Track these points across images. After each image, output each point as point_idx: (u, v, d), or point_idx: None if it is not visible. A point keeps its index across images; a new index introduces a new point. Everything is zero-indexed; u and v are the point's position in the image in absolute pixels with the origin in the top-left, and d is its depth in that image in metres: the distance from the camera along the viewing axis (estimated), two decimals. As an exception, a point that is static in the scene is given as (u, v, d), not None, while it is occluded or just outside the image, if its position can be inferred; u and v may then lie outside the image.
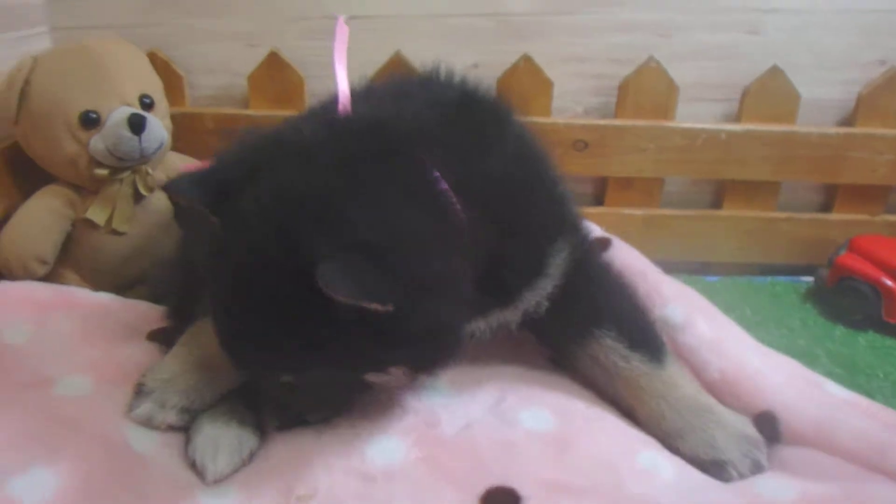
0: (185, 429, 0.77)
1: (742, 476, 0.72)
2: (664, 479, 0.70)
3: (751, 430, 0.76)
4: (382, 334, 0.62)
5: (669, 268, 1.08)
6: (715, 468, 0.73)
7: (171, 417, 0.77)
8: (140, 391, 0.78)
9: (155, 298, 1.05)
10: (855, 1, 1.32)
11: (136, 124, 1.10)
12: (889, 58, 1.36)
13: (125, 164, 1.14)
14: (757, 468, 0.73)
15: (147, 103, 1.17)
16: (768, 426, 0.78)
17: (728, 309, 1.09)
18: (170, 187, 0.72)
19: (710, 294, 1.03)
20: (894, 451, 0.70)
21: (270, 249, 0.62)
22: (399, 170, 0.67)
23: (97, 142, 1.11)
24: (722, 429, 0.75)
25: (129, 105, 1.14)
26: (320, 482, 0.69)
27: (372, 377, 0.71)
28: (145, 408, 0.77)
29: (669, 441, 0.76)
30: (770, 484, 0.69)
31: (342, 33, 0.78)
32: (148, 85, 1.20)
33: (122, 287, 1.16)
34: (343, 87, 0.75)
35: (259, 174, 0.66)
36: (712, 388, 0.84)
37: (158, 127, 1.15)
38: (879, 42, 1.35)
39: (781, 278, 1.38)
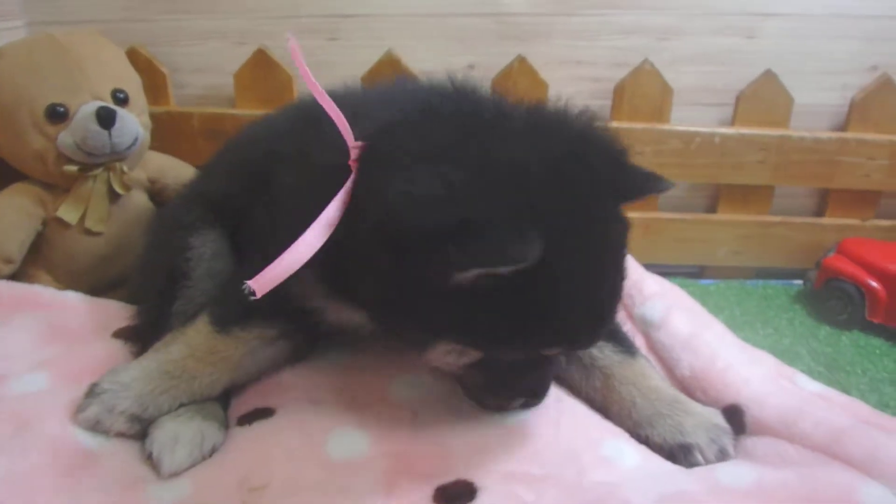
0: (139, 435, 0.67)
1: (708, 461, 0.67)
2: (626, 467, 0.65)
3: (719, 419, 0.72)
4: None
5: (666, 272, 1.00)
6: (682, 452, 0.68)
7: (120, 424, 0.66)
8: (91, 392, 0.67)
9: (134, 301, 0.91)
10: (850, 7, 1.20)
11: (106, 118, 0.92)
12: (882, 63, 1.23)
13: (96, 161, 0.96)
14: (723, 454, 0.68)
15: (121, 98, 0.98)
16: (734, 418, 0.73)
17: (718, 310, 1.05)
18: (520, 258, 0.51)
19: (703, 297, 0.98)
20: (849, 439, 0.66)
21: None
22: None
23: (65, 136, 0.93)
24: (690, 416, 0.70)
25: (100, 99, 0.96)
26: (276, 473, 0.62)
27: None
28: (92, 410, 0.66)
29: (639, 430, 0.71)
30: (729, 471, 0.64)
31: (297, 52, 0.65)
32: (122, 80, 1.01)
33: (101, 289, 0.99)
34: (326, 103, 0.63)
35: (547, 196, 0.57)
36: (682, 384, 0.80)
37: (132, 122, 0.96)
38: (873, 48, 1.23)
39: (774, 282, 1.26)
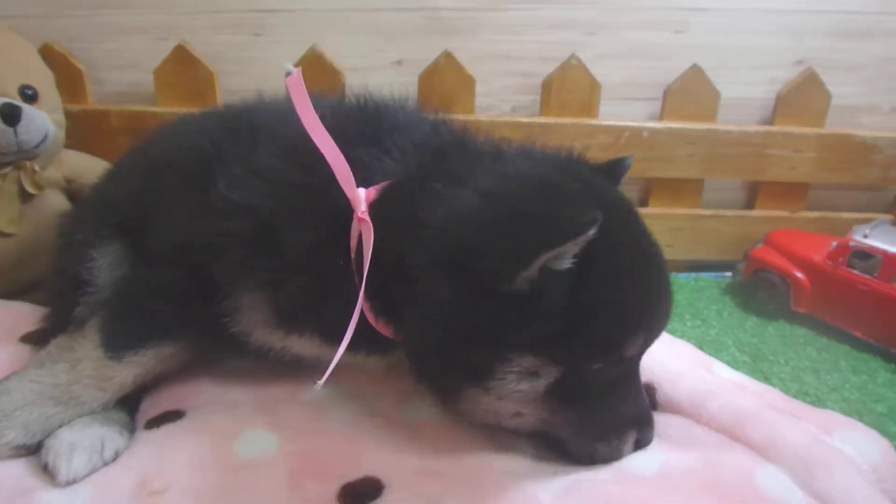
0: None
1: None
2: (529, 458, 0.66)
3: None
4: None
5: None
6: None
7: (4, 453, 0.63)
8: None
9: (45, 304, 0.87)
10: (776, 2, 1.22)
11: (10, 115, 0.90)
12: (807, 58, 1.25)
13: (3, 159, 0.93)
14: None
15: (29, 95, 0.96)
16: (647, 396, 0.74)
17: (647, 303, 1.03)
18: (584, 228, 0.52)
19: (637, 291, 0.95)
20: (751, 423, 0.68)
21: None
22: None
23: (-33, 135, 0.90)
24: None
25: (6, 96, 0.93)
26: (178, 476, 0.61)
27: None
28: None
29: None
30: (636, 457, 0.66)
31: (298, 85, 0.65)
32: (31, 76, 0.98)
33: (14, 293, 0.96)
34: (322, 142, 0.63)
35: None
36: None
37: (41, 120, 0.94)
38: (799, 43, 1.25)
39: (705, 274, 1.28)
